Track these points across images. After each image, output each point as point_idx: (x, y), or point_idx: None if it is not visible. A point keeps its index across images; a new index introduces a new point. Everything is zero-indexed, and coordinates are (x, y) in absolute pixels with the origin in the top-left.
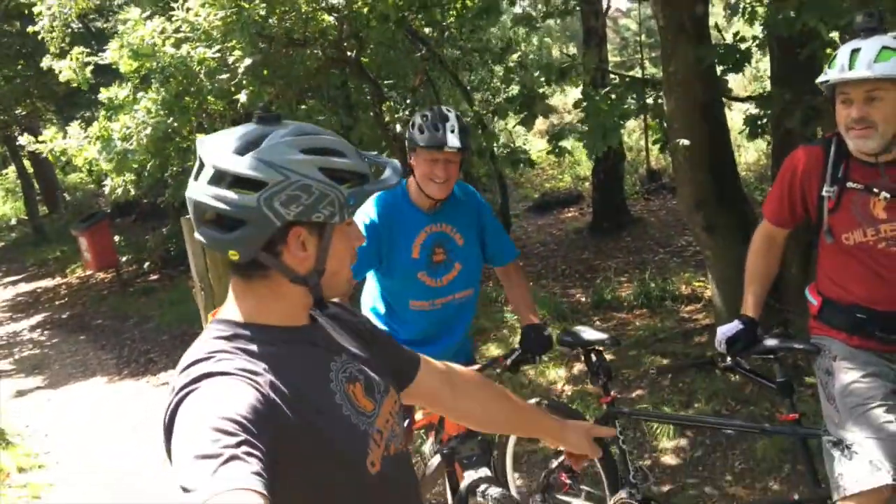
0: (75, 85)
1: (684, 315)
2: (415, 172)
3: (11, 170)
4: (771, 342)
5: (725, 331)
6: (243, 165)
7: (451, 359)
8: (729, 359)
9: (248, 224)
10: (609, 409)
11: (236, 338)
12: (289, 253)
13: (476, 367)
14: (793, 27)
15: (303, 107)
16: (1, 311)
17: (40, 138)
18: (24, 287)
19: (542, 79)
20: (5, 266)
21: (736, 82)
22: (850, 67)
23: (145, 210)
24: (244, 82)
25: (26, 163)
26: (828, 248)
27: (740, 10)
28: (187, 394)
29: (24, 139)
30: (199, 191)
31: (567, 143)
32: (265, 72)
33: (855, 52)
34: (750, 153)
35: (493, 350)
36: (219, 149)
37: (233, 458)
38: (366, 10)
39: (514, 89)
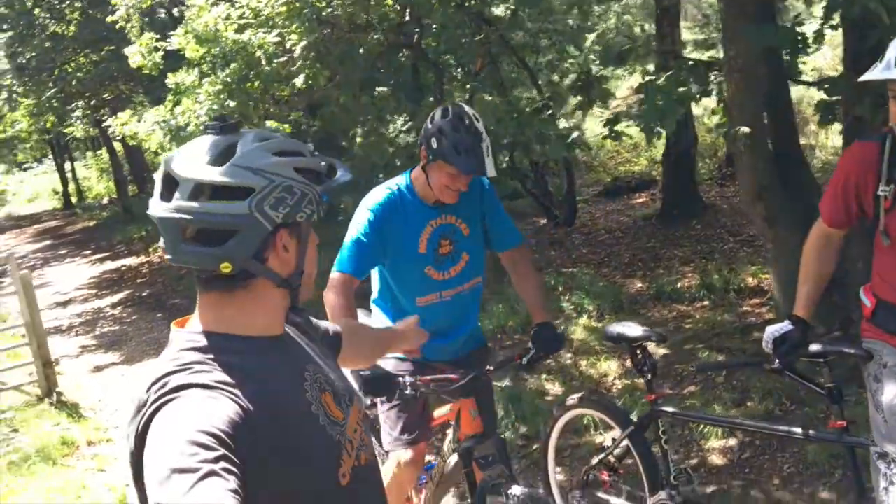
0: (146, 71)
1: (746, 309)
2: (428, 174)
3: (105, 150)
4: (820, 345)
5: (773, 331)
6: (227, 175)
7: (465, 346)
8: (777, 361)
9: (240, 232)
10: (652, 408)
11: (211, 349)
12: (275, 256)
13: (490, 368)
14: (852, 10)
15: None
16: (88, 288)
17: (116, 120)
18: (111, 265)
19: (600, 63)
20: (94, 244)
21: (826, 62)
22: None
23: None
24: (300, 66)
25: (117, 144)
26: (883, 249)
27: None
28: (162, 405)
29: (111, 121)
30: (177, 208)
31: (626, 128)
32: (328, 56)
33: None
34: (837, 138)
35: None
36: (192, 163)
37: (211, 473)
38: None
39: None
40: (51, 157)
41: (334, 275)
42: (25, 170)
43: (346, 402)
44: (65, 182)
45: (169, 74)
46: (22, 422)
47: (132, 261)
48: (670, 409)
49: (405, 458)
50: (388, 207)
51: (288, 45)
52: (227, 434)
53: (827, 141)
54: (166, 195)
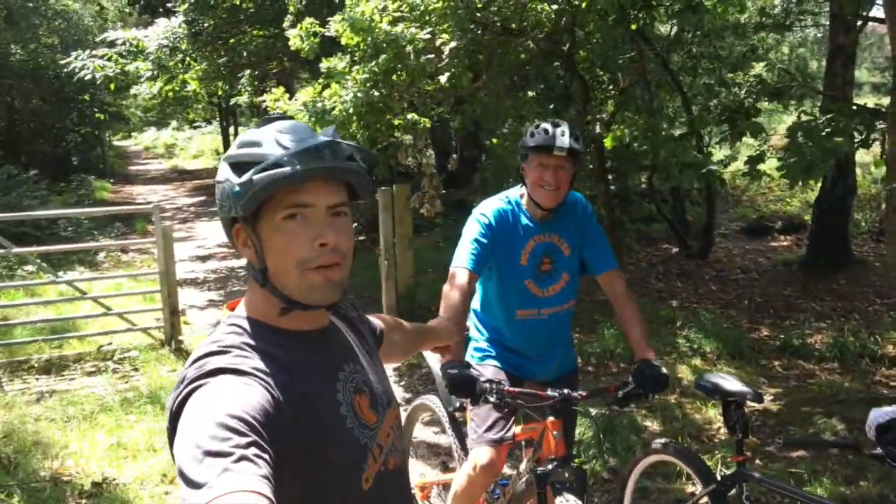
0: (303, 55)
1: (880, 378)
2: (526, 181)
3: None
4: None
5: (879, 415)
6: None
7: (557, 369)
8: (878, 448)
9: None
10: (738, 470)
11: (253, 336)
12: (241, 249)
13: (583, 393)
14: None
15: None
16: (228, 248)
17: (270, 95)
18: None
19: (752, 96)
20: None
21: None
22: None
23: None
24: (447, 64)
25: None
26: None
27: None
28: (199, 385)
29: (266, 95)
30: None
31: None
32: (480, 56)
33: None
34: None
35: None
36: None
37: (243, 458)
38: (584, 4)
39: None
40: (218, 120)
41: (453, 270)
42: (195, 128)
43: (383, 405)
44: (227, 145)
45: (323, 59)
46: (143, 363)
47: None
48: (757, 475)
49: (484, 459)
50: (500, 216)
51: (437, 43)
52: (258, 421)
53: None
54: None
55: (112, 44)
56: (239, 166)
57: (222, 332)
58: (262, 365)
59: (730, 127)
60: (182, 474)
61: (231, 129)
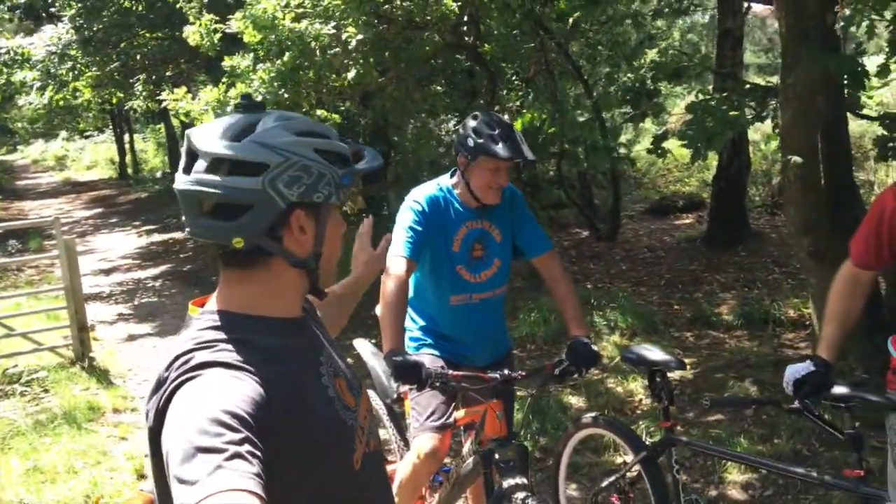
0: (203, 51)
1: (785, 341)
2: (469, 178)
3: (163, 125)
4: (842, 389)
5: (794, 371)
6: (243, 150)
7: (493, 352)
8: (796, 402)
9: (253, 208)
10: (666, 436)
11: (233, 328)
12: (290, 236)
13: (522, 373)
14: None
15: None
16: (132, 258)
17: (171, 96)
18: (157, 238)
19: (650, 76)
20: (144, 216)
21: (894, 97)
22: None
23: None
24: (355, 59)
25: (174, 121)
26: None
27: (854, 21)
28: (186, 381)
29: (164, 95)
30: (196, 181)
31: (676, 147)
32: (386, 53)
33: None
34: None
35: None
36: (212, 137)
37: (236, 455)
38: None
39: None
40: (111, 128)
41: (391, 260)
42: (87, 137)
43: (356, 389)
44: (122, 153)
45: (225, 58)
46: (53, 383)
47: (178, 235)
48: (685, 439)
49: (427, 447)
50: (433, 202)
51: (343, 38)
52: (250, 415)
53: (887, 178)
54: (187, 168)
55: None
56: (326, 154)
57: (198, 329)
58: (248, 357)
59: (633, 108)
60: (173, 472)
61: (126, 137)
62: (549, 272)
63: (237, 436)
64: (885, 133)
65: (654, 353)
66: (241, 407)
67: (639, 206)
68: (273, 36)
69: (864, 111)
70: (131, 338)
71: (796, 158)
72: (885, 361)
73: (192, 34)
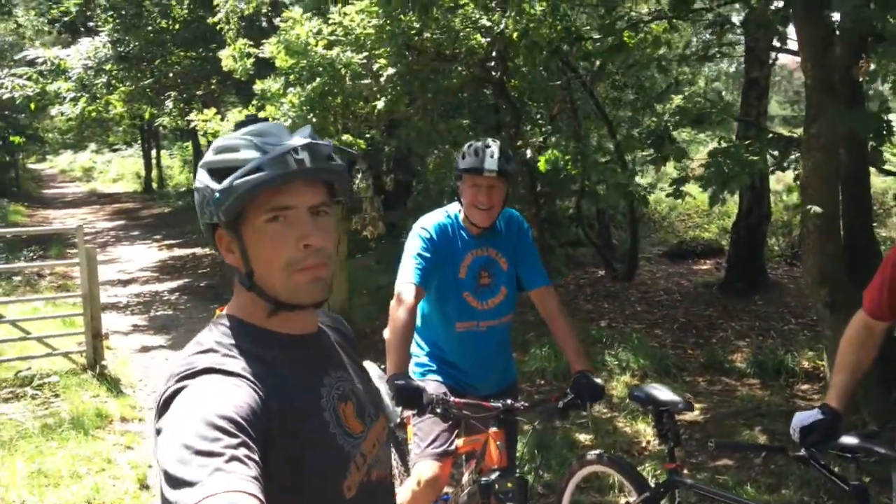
0: (237, 75)
1: (797, 392)
2: (461, 200)
3: (191, 143)
4: (850, 440)
5: (802, 419)
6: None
7: (498, 382)
8: (802, 450)
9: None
10: (671, 477)
11: (239, 337)
12: (225, 255)
13: (525, 404)
14: None
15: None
16: (151, 271)
17: (202, 116)
18: (177, 252)
19: (672, 122)
20: (165, 230)
21: None
22: None
23: None
24: (385, 90)
25: (202, 139)
26: None
27: (880, 75)
28: (186, 384)
29: (194, 115)
30: None
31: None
32: (415, 83)
33: None
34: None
35: None
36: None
37: (233, 458)
38: (515, 35)
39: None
40: (139, 142)
41: (400, 287)
42: (115, 150)
43: (370, 415)
44: (148, 168)
45: (257, 80)
46: (64, 388)
47: (198, 251)
48: (689, 481)
49: (428, 474)
50: (441, 229)
51: (375, 68)
52: (247, 421)
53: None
54: None
55: (32, 63)
56: (217, 172)
57: (209, 333)
58: (248, 366)
59: (655, 151)
60: (168, 474)
61: (153, 153)
62: (545, 307)
63: (234, 440)
64: None
65: (662, 392)
66: (237, 413)
67: (657, 249)
68: (305, 61)
69: (887, 167)
70: (144, 349)
71: (816, 208)
72: None
73: (226, 58)
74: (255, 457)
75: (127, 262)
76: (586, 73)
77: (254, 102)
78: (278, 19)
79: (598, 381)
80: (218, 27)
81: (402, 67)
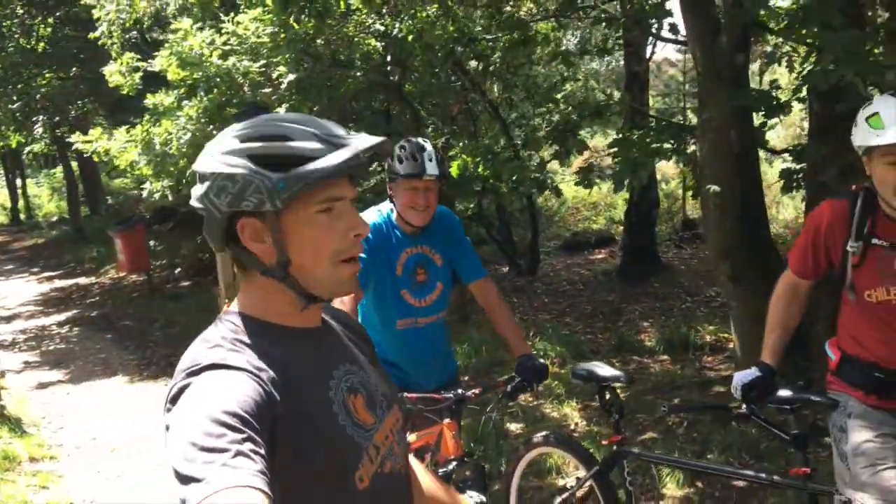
0: (124, 91)
1: (705, 364)
2: (395, 201)
3: (60, 169)
4: (787, 392)
5: (742, 377)
6: (197, 162)
7: (441, 376)
8: (744, 406)
9: (205, 218)
10: (618, 448)
11: (244, 331)
12: (250, 245)
13: (476, 391)
14: (829, 79)
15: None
16: (34, 305)
17: (86, 137)
18: (60, 283)
19: (576, 115)
20: (43, 262)
21: (778, 139)
22: None
23: (183, 218)
24: (285, 97)
25: (74, 164)
26: (850, 305)
27: (776, 58)
28: (192, 380)
29: (74, 137)
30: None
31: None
32: (311, 90)
33: None
34: (788, 210)
35: None
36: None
37: (239, 453)
38: (410, 38)
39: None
40: (1, 171)
41: None
42: None
43: (382, 407)
44: (14, 198)
45: (147, 95)
46: None
47: (83, 280)
48: (636, 451)
49: None
50: (376, 229)
51: (274, 76)
52: (252, 416)
53: (777, 214)
54: None
55: None
56: (264, 159)
57: (215, 329)
58: (254, 360)
59: (559, 145)
60: (176, 471)
61: (18, 182)
62: (485, 297)
63: (240, 435)
64: (792, 166)
65: (603, 369)
66: (242, 407)
67: (552, 244)
68: (200, 73)
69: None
70: (42, 385)
71: (714, 188)
72: (806, 378)
73: (112, 73)
74: (261, 451)
75: (4, 297)
76: (477, 73)
77: (146, 118)
78: (165, 32)
79: (541, 360)
80: (100, 42)
81: (301, 73)
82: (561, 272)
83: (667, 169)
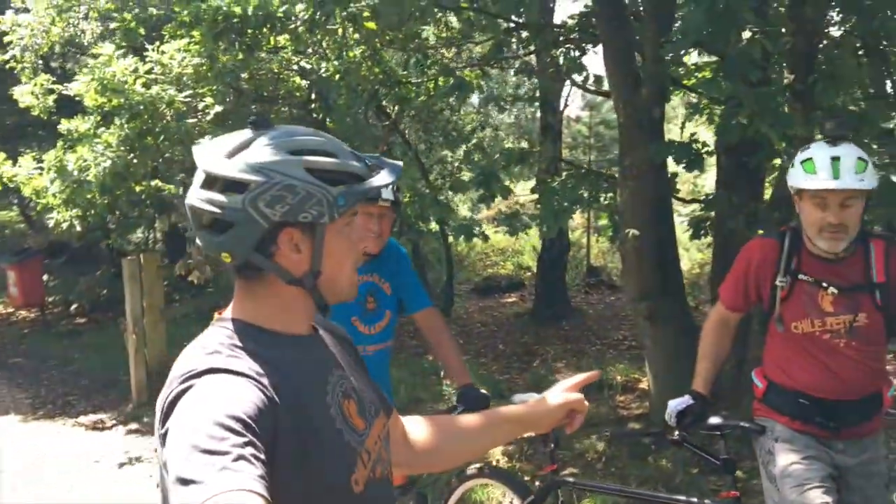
0: (36, 113)
1: (619, 403)
2: None
3: None
4: (717, 420)
5: (676, 405)
6: (230, 168)
7: None
8: (677, 433)
9: (237, 226)
10: (552, 478)
11: (242, 337)
12: (281, 255)
13: None
14: (745, 132)
15: None
16: None
17: None
18: None
19: (503, 162)
20: None
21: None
22: (836, 176)
23: (78, 253)
24: (209, 128)
25: None
26: (777, 336)
27: (700, 109)
28: (192, 385)
29: None
30: (194, 195)
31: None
32: (236, 123)
33: (835, 160)
34: (684, 258)
35: None
36: (211, 154)
37: (240, 457)
38: (337, 77)
39: (469, 170)
40: None
41: None
42: None
43: (371, 413)
44: None
45: (63, 120)
46: None
47: None
48: (571, 479)
49: None
50: None
51: (201, 106)
52: (253, 420)
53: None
54: (193, 184)
55: None
56: (321, 174)
57: (212, 335)
58: (254, 365)
59: (484, 189)
60: (176, 473)
61: None
62: (430, 327)
63: (241, 439)
64: (702, 213)
65: None
66: (244, 412)
67: (464, 287)
68: (123, 99)
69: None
70: None
71: (634, 231)
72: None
73: (25, 94)
74: (262, 456)
75: None
76: (398, 116)
77: (60, 143)
78: (77, 61)
79: (483, 390)
80: (7, 66)
81: (228, 106)
82: (474, 314)
83: (572, 218)
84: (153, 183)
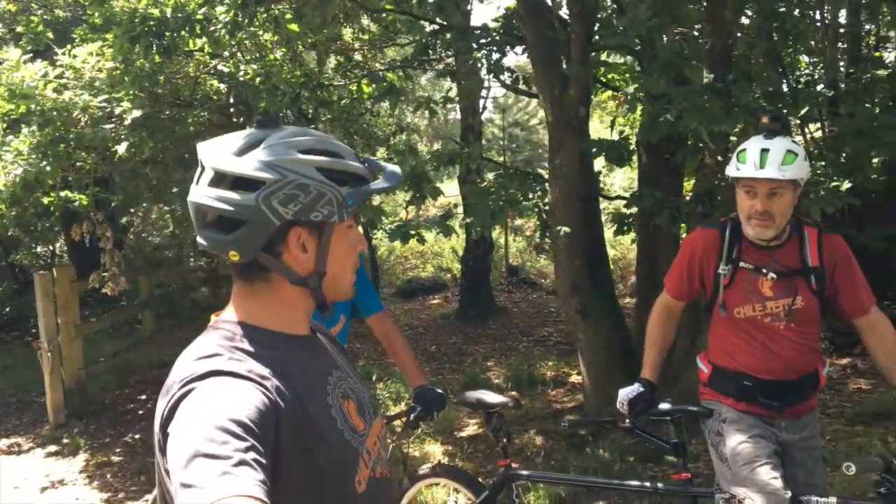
0: None
1: (552, 398)
2: None
3: None
4: (667, 405)
5: (627, 393)
6: (242, 166)
7: None
8: (628, 420)
9: (248, 224)
10: (507, 472)
11: (242, 339)
12: (289, 254)
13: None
14: (674, 129)
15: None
16: None
17: None
18: None
19: (433, 163)
20: None
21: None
22: (762, 166)
23: None
24: (125, 134)
25: None
26: (721, 321)
27: (635, 105)
28: (193, 388)
29: None
30: (201, 193)
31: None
32: (155, 128)
33: (764, 151)
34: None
35: None
36: (219, 151)
37: (242, 462)
38: (258, 80)
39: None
40: None
41: None
42: None
43: (369, 414)
44: None
45: None
46: None
47: None
48: (525, 472)
49: None
50: None
51: (118, 112)
52: (255, 424)
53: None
54: (198, 180)
55: None
56: (330, 174)
57: (209, 338)
58: (256, 368)
59: (415, 191)
60: (176, 477)
61: None
62: (383, 331)
63: (243, 444)
64: (624, 210)
65: (491, 396)
66: (246, 416)
67: (386, 290)
68: (34, 105)
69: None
70: None
71: (565, 229)
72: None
73: None
74: (264, 461)
75: None
76: (317, 119)
77: None
78: None
79: (439, 389)
80: None
81: (147, 111)
82: (400, 317)
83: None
84: (62, 193)
